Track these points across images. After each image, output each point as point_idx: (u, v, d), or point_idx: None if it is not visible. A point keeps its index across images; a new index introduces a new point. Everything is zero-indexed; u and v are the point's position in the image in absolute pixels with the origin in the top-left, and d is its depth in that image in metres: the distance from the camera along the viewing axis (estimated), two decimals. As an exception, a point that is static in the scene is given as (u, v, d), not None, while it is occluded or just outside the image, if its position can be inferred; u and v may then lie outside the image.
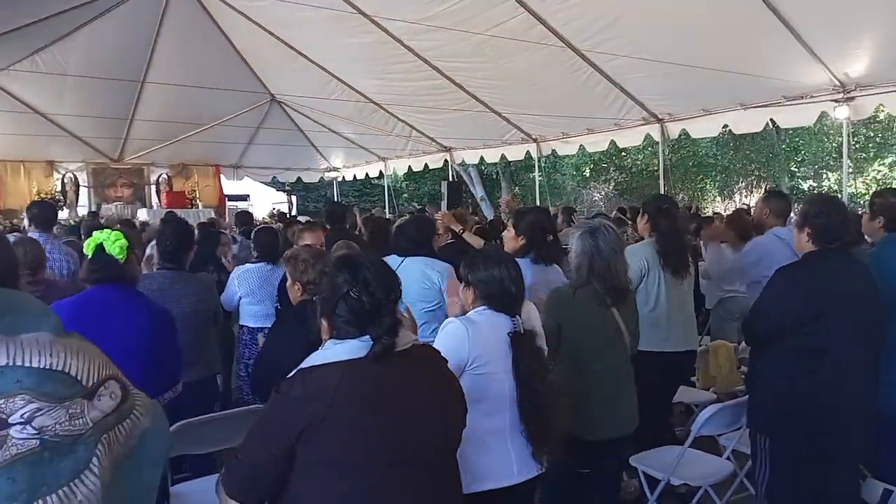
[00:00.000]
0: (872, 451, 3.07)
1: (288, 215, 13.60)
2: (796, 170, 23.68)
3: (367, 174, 16.34)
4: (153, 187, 14.72)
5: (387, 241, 5.00)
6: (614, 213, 9.98)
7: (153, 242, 5.10)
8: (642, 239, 4.18)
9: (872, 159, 21.36)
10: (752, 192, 23.69)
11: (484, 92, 9.85)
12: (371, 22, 8.44)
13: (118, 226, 4.23)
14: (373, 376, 1.77)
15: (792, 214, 4.52)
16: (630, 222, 7.40)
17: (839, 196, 7.28)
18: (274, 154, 15.00)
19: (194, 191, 14.72)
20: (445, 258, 3.93)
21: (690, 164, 23.16)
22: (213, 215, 12.46)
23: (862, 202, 12.66)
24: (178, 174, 14.89)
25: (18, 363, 1.30)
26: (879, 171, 21.44)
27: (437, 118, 11.15)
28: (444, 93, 9.95)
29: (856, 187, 16.35)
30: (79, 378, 1.36)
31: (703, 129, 9.23)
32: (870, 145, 21.10)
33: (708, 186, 24.60)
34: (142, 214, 12.84)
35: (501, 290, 2.48)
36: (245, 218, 8.85)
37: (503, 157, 12.39)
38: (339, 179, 17.09)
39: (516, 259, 3.56)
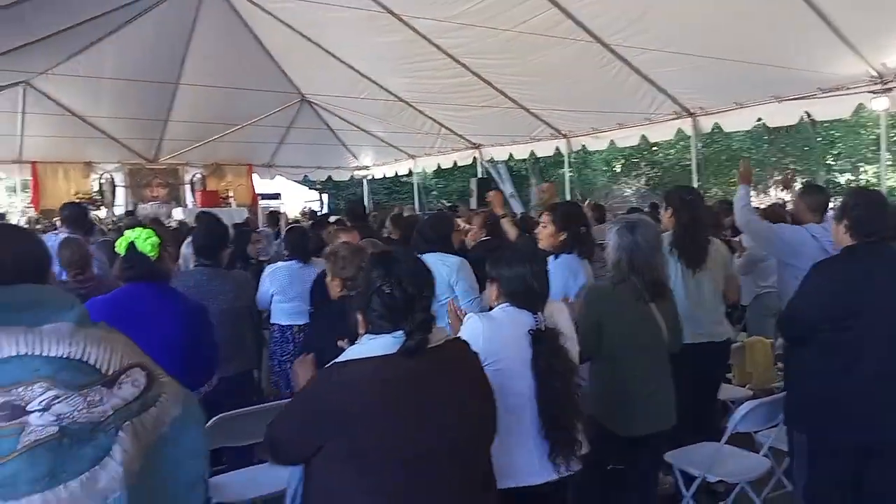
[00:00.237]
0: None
1: (319, 213, 13.72)
2: (833, 163, 23.19)
3: (396, 172, 16.41)
4: (188, 187, 14.96)
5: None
6: (647, 208, 9.87)
7: (188, 240, 5.20)
8: (667, 231, 4.13)
9: (912, 151, 20.82)
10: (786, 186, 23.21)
11: (513, 88, 9.83)
12: (399, 21, 8.48)
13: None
14: (403, 372, 1.79)
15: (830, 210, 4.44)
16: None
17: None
18: (305, 153, 15.15)
19: (228, 190, 14.91)
20: (478, 256, 3.94)
21: (724, 157, 22.79)
22: (246, 214, 12.63)
23: (902, 195, 12.35)
24: (212, 174, 15.10)
25: (37, 352, 1.34)
26: (919, 163, 20.90)
27: (466, 115, 11.15)
28: (472, 90, 9.95)
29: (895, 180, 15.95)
30: (98, 366, 1.39)
31: (737, 122, 9.10)
32: (909, 137, 20.57)
33: (742, 181, 24.16)
34: (177, 214, 13.07)
35: (524, 287, 2.46)
36: (274, 218, 8.96)
37: (532, 153, 12.35)
38: (369, 178, 17.18)
39: (564, 255, 3.55)
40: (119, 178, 14.10)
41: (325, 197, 17.92)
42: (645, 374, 2.97)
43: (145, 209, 13.19)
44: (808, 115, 8.37)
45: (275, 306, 4.76)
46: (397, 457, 1.74)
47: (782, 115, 8.30)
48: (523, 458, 2.39)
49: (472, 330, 2.41)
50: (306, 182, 17.95)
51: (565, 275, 3.53)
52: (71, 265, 3.94)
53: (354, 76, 11.01)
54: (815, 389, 2.87)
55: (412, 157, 14.97)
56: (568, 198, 12.75)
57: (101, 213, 12.82)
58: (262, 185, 16.08)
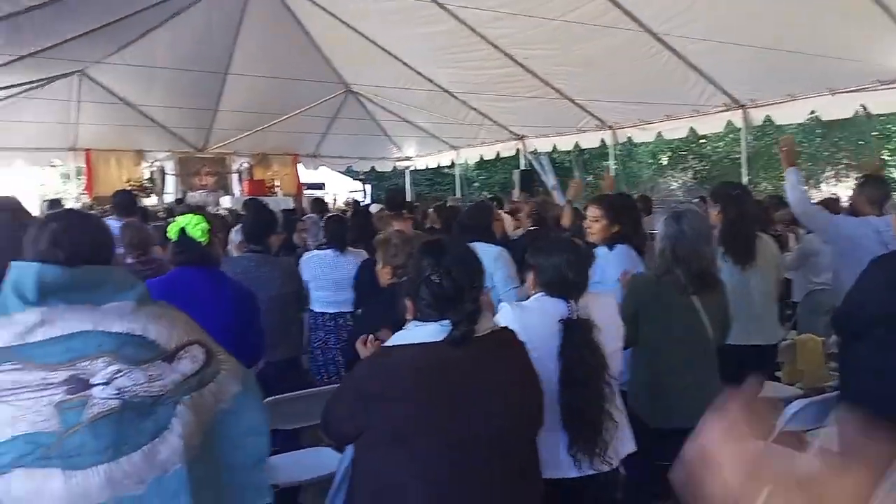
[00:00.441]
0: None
1: (361, 204, 13.84)
2: (889, 158, 22.41)
3: (438, 163, 16.42)
4: (235, 176, 15.19)
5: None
6: (695, 202, 9.70)
7: (237, 227, 5.31)
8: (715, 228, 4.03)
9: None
10: (840, 181, 22.59)
11: (558, 79, 9.73)
12: (444, 11, 8.46)
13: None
14: (448, 360, 1.81)
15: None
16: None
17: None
18: (349, 144, 15.26)
19: (274, 179, 15.10)
20: (523, 245, 3.92)
21: (774, 151, 22.22)
22: (292, 203, 12.79)
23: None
24: (259, 163, 15.30)
25: (100, 329, 1.39)
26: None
27: (510, 106, 11.08)
28: (517, 80, 9.88)
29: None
30: (157, 342, 1.45)
31: (789, 115, 8.82)
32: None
33: (793, 175, 23.53)
34: (225, 202, 13.31)
35: (559, 277, 2.43)
36: (319, 206, 9.07)
37: (577, 144, 12.21)
38: (412, 168, 17.25)
39: (620, 246, 3.50)
40: (169, 167, 14.38)
41: (367, 187, 18.06)
42: (681, 366, 2.92)
43: (194, 197, 13.44)
44: (864, 108, 8.09)
45: (311, 294, 4.83)
46: (439, 443, 1.76)
47: (837, 107, 8.02)
48: (547, 451, 2.34)
49: (504, 319, 2.40)
50: (349, 172, 18.08)
51: (625, 264, 3.50)
52: (134, 247, 4.11)
53: (399, 67, 11.03)
54: (871, 388, 2.79)
55: (454, 148, 14.96)
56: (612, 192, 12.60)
57: (152, 200, 13.11)
58: (306, 175, 16.26)
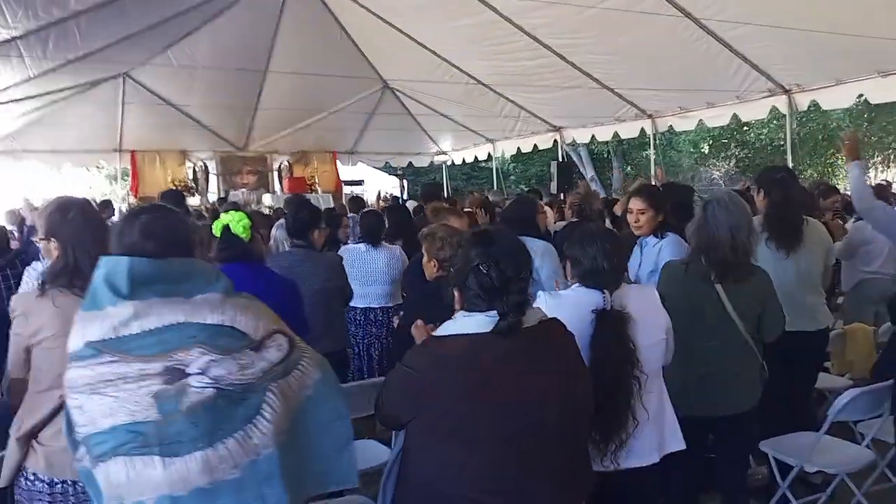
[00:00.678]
0: None
1: (400, 199, 13.90)
2: (940, 143, 21.66)
3: (475, 157, 16.41)
4: (275, 174, 15.39)
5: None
6: (736, 189, 9.52)
7: (278, 223, 5.40)
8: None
9: None
10: (888, 166, 21.91)
11: (596, 68, 9.62)
12: (480, 2, 8.43)
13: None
14: (495, 351, 1.81)
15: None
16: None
17: None
18: (386, 139, 15.34)
19: (313, 176, 15.25)
20: (564, 237, 3.90)
21: (820, 137, 21.64)
22: (332, 200, 12.92)
23: None
24: (298, 161, 15.47)
25: (193, 320, 1.45)
26: None
27: (548, 97, 11.00)
28: (554, 71, 9.79)
29: None
30: (246, 332, 1.50)
31: (835, 99, 8.57)
32: None
33: (840, 161, 22.86)
34: (266, 200, 13.50)
35: (593, 267, 2.43)
36: (357, 203, 9.14)
37: (616, 134, 12.04)
38: (448, 163, 17.26)
39: (671, 234, 3.47)
40: (212, 166, 14.64)
41: (405, 183, 18.15)
42: (701, 355, 2.87)
43: (236, 196, 13.66)
44: (916, 90, 7.83)
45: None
46: (485, 434, 1.77)
47: (886, 90, 7.75)
48: None
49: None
50: (387, 168, 18.15)
51: (677, 252, 3.48)
52: (202, 246, 4.23)
53: (435, 60, 11.02)
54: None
55: (491, 140, 14.91)
56: (652, 181, 12.45)
57: (195, 199, 13.37)
58: (344, 171, 16.39)
